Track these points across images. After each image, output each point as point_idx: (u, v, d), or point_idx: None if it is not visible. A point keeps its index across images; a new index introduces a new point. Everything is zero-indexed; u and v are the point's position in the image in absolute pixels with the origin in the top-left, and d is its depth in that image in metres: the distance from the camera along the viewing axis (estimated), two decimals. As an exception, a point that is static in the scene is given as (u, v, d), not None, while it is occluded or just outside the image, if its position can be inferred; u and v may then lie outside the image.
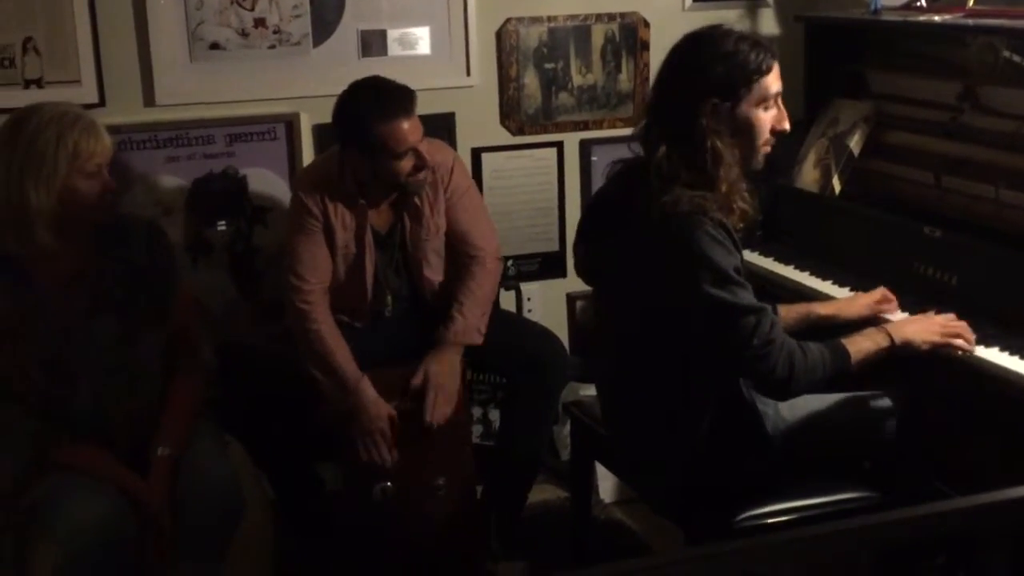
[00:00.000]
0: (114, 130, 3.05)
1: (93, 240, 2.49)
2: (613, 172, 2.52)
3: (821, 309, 2.69)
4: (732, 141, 2.29)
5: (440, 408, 2.97)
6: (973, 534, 1.65)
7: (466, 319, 3.01)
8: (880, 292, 2.72)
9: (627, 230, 2.35)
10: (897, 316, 2.67)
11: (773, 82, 2.33)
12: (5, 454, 2.49)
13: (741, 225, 2.34)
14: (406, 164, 2.88)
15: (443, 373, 2.98)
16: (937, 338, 2.47)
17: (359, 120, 2.85)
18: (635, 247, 2.33)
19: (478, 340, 3.03)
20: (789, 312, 2.62)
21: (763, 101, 2.32)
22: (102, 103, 3.15)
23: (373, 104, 2.84)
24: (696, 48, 2.31)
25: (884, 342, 2.41)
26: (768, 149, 2.38)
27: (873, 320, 2.62)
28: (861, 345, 2.38)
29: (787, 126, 2.39)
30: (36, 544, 2.37)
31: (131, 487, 2.42)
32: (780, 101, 2.36)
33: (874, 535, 1.58)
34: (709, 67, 2.27)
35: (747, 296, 2.25)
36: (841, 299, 2.79)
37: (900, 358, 2.44)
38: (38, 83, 3.10)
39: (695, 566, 1.47)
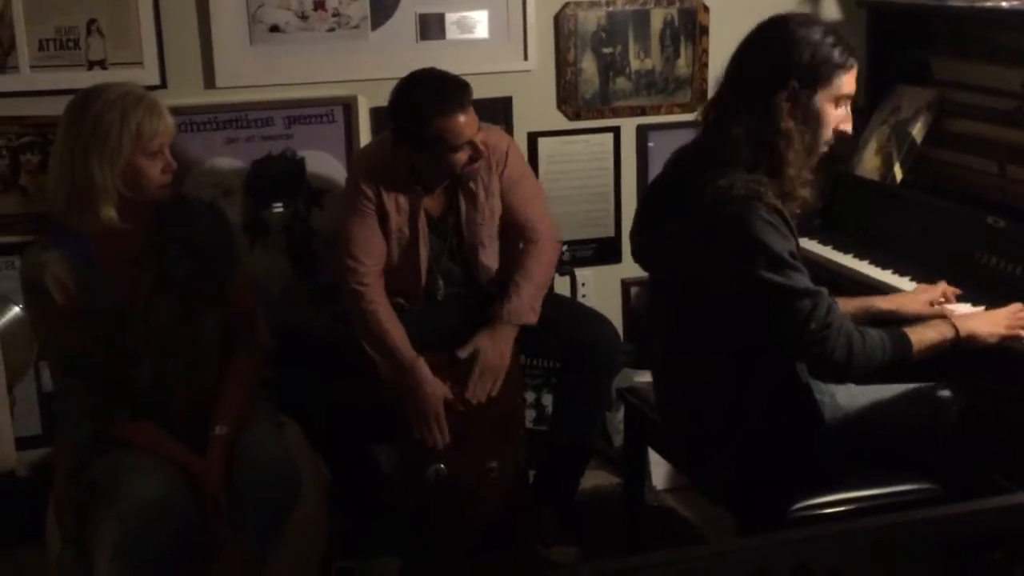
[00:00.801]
0: (174, 112, 3.06)
1: (155, 219, 2.52)
2: (669, 160, 2.50)
3: (882, 303, 2.65)
4: (803, 128, 2.27)
5: (483, 385, 2.98)
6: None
7: (521, 298, 3.01)
8: (942, 287, 2.68)
9: (682, 215, 2.34)
10: (960, 310, 2.62)
11: (850, 82, 2.32)
12: (68, 430, 2.54)
13: (798, 211, 2.32)
14: (462, 156, 2.89)
15: (492, 351, 2.99)
16: (1003, 331, 2.44)
17: (415, 114, 2.85)
18: (690, 232, 2.32)
19: (532, 320, 3.03)
20: (847, 306, 2.58)
21: (837, 98, 2.30)
22: (163, 85, 3.18)
23: (430, 98, 2.84)
24: (784, 30, 2.29)
25: (949, 333, 2.38)
26: (827, 149, 2.36)
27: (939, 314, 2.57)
28: (924, 335, 2.36)
29: (850, 129, 2.37)
30: (97, 519, 2.41)
31: (189, 465, 2.45)
32: (849, 105, 2.35)
33: (935, 529, 1.56)
34: (796, 50, 2.26)
35: (803, 279, 2.24)
36: (902, 294, 2.75)
37: (964, 351, 2.40)
38: (101, 64, 3.13)
39: (753, 555, 1.46)
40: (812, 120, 2.29)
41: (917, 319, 2.51)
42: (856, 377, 2.32)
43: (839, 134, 2.35)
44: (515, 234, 3.11)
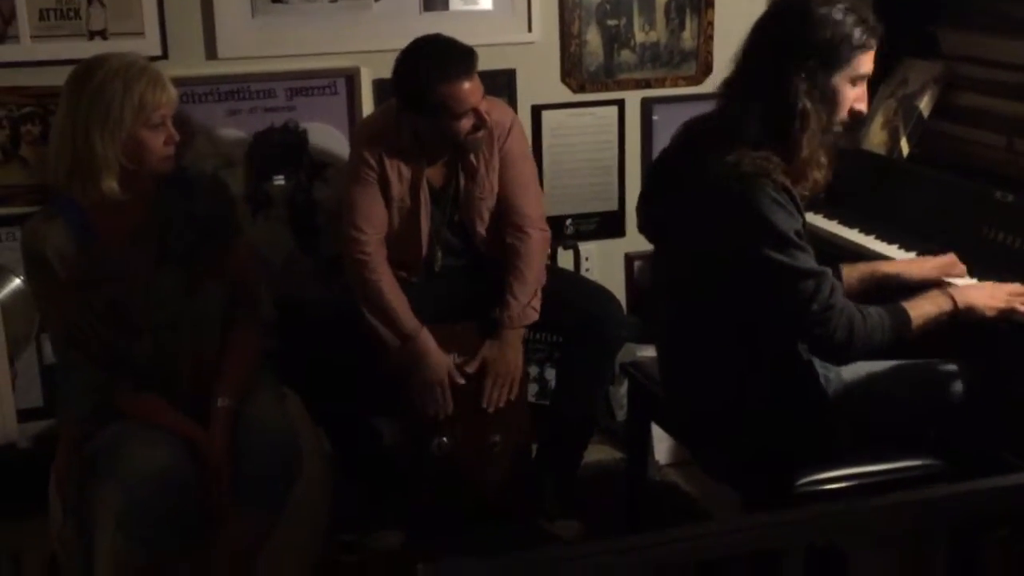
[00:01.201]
0: (176, 83, 3.04)
1: (157, 191, 2.50)
2: (677, 132, 2.48)
3: (886, 268, 2.64)
4: (819, 108, 2.24)
5: (497, 392, 3.01)
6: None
7: (519, 301, 3.00)
8: (949, 257, 2.67)
9: (689, 189, 2.32)
10: (963, 282, 2.61)
11: (869, 62, 2.29)
12: (70, 402, 2.53)
13: (807, 193, 2.30)
14: (465, 124, 2.87)
15: (502, 358, 2.99)
16: (1002, 304, 2.42)
17: (419, 80, 2.82)
18: (697, 207, 2.30)
19: (534, 317, 3.03)
20: (852, 271, 2.58)
21: (855, 78, 2.28)
22: (165, 56, 3.15)
23: (433, 64, 2.81)
24: (806, 7, 2.25)
25: (947, 306, 2.37)
26: (841, 129, 2.34)
27: (938, 283, 2.56)
28: (922, 309, 2.34)
29: (865, 109, 2.34)
30: (99, 492, 2.41)
31: (192, 436, 2.45)
32: (866, 84, 2.32)
33: (943, 508, 1.55)
34: (817, 29, 2.23)
35: (807, 260, 2.22)
36: (907, 260, 2.73)
37: (967, 324, 2.39)
38: (102, 35, 3.11)
39: (763, 533, 1.45)
40: (828, 100, 2.26)
41: (921, 284, 2.50)
42: (856, 358, 2.31)
43: (854, 114, 2.33)
44: (504, 216, 3.08)
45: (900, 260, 2.74)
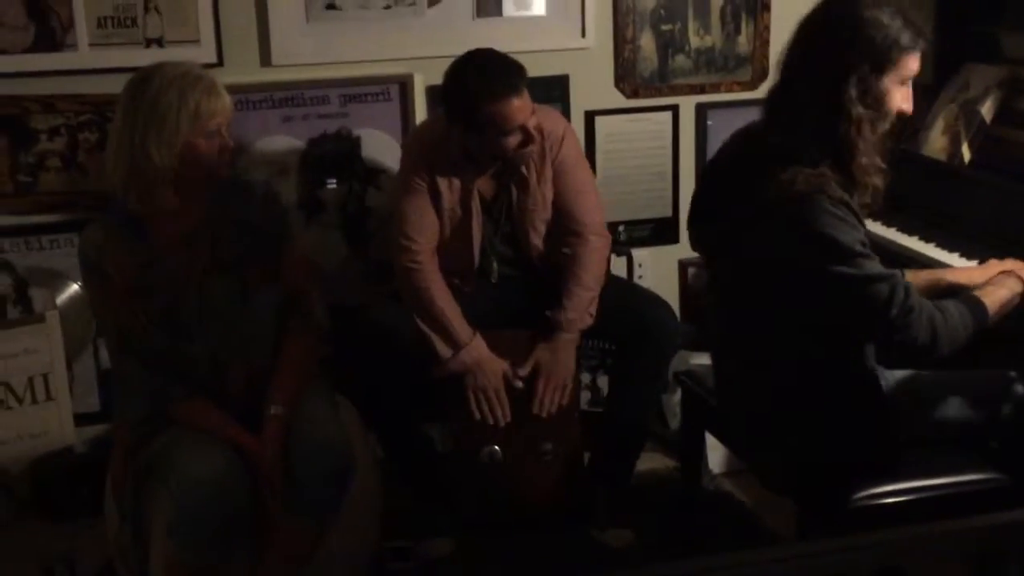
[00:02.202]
0: (231, 90, 3.06)
1: (211, 199, 2.52)
2: (727, 143, 2.43)
3: (951, 277, 2.58)
4: (872, 114, 2.20)
5: (549, 397, 2.98)
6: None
7: (575, 306, 2.97)
8: (1011, 262, 2.59)
9: (744, 207, 2.27)
10: None
11: (916, 63, 2.25)
12: (124, 408, 2.56)
13: (869, 201, 2.26)
14: (513, 140, 2.85)
15: (555, 361, 2.97)
16: None
17: (467, 97, 2.81)
18: (753, 226, 2.25)
19: (589, 323, 3.00)
20: (916, 279, 2.52)
21: (903, 79, 2.23)
22: (220, 63, 3.18)
23: (482, 81, 2.80)
24: (853, 12, 2.21)
25: (1018, 287, 2.35)
26: (887, 127, 2.28)
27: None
28: (996, 295, 2.31)
29: (910, 108, 2.29)
30: (152, 497, 2.43)
31: (244, 444, 2.45)
32: (911, 85, 2.28)
33: (1011, 532, 1.51)
34: (866, 34, 2.18)
35: (875, 266, 2.18)
36: (972, 268, 2.67)
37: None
38: (159, 42, 3.14)
39: (824, 559, 1.42)
40: (880, 103, 2.22)
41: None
42: (942, 355, 2.25)
43: (900, 114, 2.28)
44: (562, 225, 3.06)
45: (963, 268, 2.69)
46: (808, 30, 2.27)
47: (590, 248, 3.03)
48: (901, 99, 2.25)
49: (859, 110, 2.18)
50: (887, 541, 1.53)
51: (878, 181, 2.23)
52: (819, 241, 2.14)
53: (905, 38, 2.20)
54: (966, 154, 3.07)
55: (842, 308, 2.20)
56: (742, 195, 2.27)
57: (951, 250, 2.88)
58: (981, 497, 2.32)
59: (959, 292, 2.48)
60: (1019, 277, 2.34)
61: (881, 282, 2.16)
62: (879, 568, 1.55)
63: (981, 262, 2.76)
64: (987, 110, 3.07)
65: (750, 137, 2.36)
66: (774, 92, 2.31)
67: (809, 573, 1.47)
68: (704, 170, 2.50)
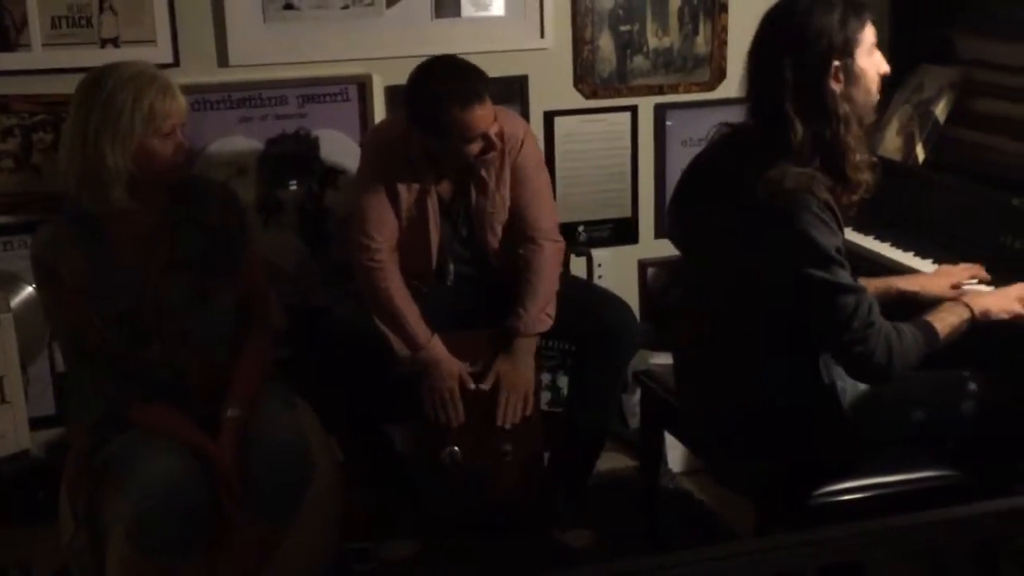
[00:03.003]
0: (188, 90, 3.05)
1: (167, 200, 2.50)
2: (715, 137, 2.44)
3: (903, 284, 2.62)
4: (857, 105, 2.24)
5: (513, 408, 2.99)
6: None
7: (529, 313, 2.98)
8: (966, 269, 2.64)
9: (727, 201, 2.28)
10: (981, 290, 2.58)
11: (872, 29, 2.29)
12: (80, 412, 2.53)
13: (855, 199, 2.28)
14: (475, 147, 2.85)
15: (515, 372, 2.98)
16: (1017, 307, 2.41)
17: (430, 103, 2.81)
18: (737, 221, 2.26)
19: (548, 324, 3.01)
20: (869, 285, 2.54)
21: (871, 48, 2.27)
22: (176, 63, 3.15)
23: (446, 88, 2.79)
24: (801, 19, 2.22)
25: (965, 314, 2.36)
26: (878, 96, 2.33)
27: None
28: (946, 320, 2.33)
29: (887, 68, 2.33)
30: (109, 501, 2.41)
31: (202, 447, 2.43)
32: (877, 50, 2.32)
33: (965, 528, 1.53)
34: (824, 34, 2.21)
35: (847, 276, 2.20)
36: (924, 275, 2.71)
37: (981, 333, 2.37)
38: (114, 42, 3.11)
39: (778, 555, 1.43)
40: (861, 86, 2.26)
41: (938, 302, 2.46)
42: (892, 377, 2.27)
43: (882, 76, 2.32)
44: (517, 228, 3.05)
45: (915, 276, 2.72)
46: (763, 52, 2.28)
47: (545, 254, 3.03)
48: (876, 66, 2.29)
49: (845, 107, 2.21)
50: (843, 536, 1.54)
51: (869, 176, 2.27)
52: (798, 239, 2.16)
53: (852, 17, 2.24)
54: (920, 154, 3.10)
55: (806, 311, 2.22)
56: (727, 188, 2.29)
57: (905, 249, 2.92)
58: (937, 494, 2.35)
59: (910, 300, 2.54)
60: (966, 304, 2.37)
61: (849, 294, 2.18)
62: (836, 564, 1.57)
63: (936, 261, 2.80)
64: (941, 111, 3.10)
65: (737, 135, 2.37)
66: (751, 102, 2.31)
67: (767, 569, 1.48)
68: (689, 165, 2.50)
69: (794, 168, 2.19)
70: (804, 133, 2.20)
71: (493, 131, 2.85)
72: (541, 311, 2.99)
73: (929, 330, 2.29)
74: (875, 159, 2.28)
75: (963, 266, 2.68)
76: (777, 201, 2.17)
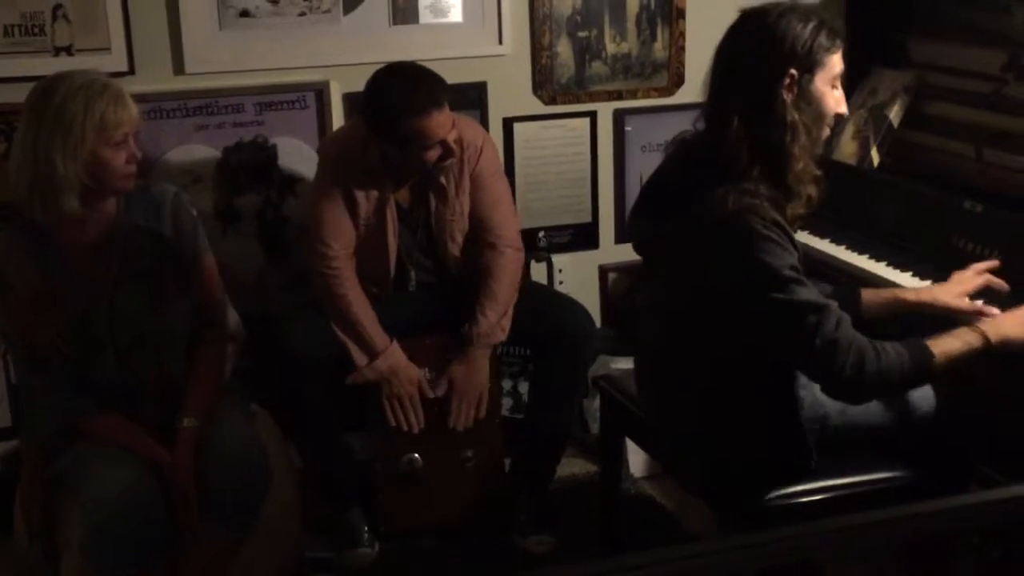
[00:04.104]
0: (143, 98, 3.06)
1: (119, 209, 2.48)
2: (671, 150, 2.42)
3: (910, 296, 2.51)
4: (806, 119, 2.19)
5: (465, 412, 3.00)
6: (1003, 527, 1.60)
7: (488, 320, 2.98)
8: (981, 278, 2.51)
9: (679, 218, 2.26)
10: (994, 310, 2.41)
11: (839, 61, 2.25)
12: (33, 423, 2.51)
13: (802, 211, 2.24)
14: (433, 154, 2.85)
15: (468, 378, 2.98)
16: None
17: (388, 110, 2.80)
18: (687, 238, 2.25)
19: (501, 338, 3.01)
20: (874, 297, 2.50)
21: (833, 78, 2.23)
22: (132, 71, 3.13)
23: (403, 95, 2.79)
24: (768, 24, 2.21)
25: (976, 343, 2.20)
26: (829, 133, 2.30)
27: (971, 318, 2.37)
28: (947, 345, 2.19)
29: (846, 110, 2.30)
30: (63, 513, 2.39)
31: (156, 458, 2.42)
32: (841, 87, 2.29)
33: (912, 525, 1.54)
34: (786, 41, 2.18)
35: (806, 293, 2.14)
36: (936, 286, 2.57)
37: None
38: (68, 51, 3.08)
39: (733, 555, 1.43)
40: (815, 107, 2.21)
41: (950, 312, 2.38)
42: (870, 396, 2.24)
43: (837, 116, 2.29)
44: (477, 235, 3.06)
45: (926, 288, 2.59)
46: (727, 52, 2.26)
47: (504, 261, 3.03)
48: (835, 102, 2.25)
49: (794, 115, 2.17)
50: (793, 536, 1.55)
51: (813, 190, 2.22)
52: (751, 265, 2.12)
53: (823, 38, 2.21)
54: (875, 158, 3.13)
55: (768, 332, 2.19)
56: (678, 205, 2.27)
57: (861, 252, 2.94)
58: (893, 495, 2.36)
59: (921, 311, 2.43)
60: (981, 332, 2.22)
61: (810, 312, 2.12)
62: (792, 564, 1.58)
63: (889, 264, 2.82)
64: (895, 114, 3.13)
65: (690, 148, 2.35)
66: (707, 112, 2.28)
67: (722, 570, 1.49)
68: (647, 180, 2.48)
69: (738, 185, 2.14)
70: (743, 136, 2.17)
71: (451, 138, 2.85)
72: (500, 318, 2.99)
73: (921, 352, 2.18)
74: (820, 174, 2.23)
75: (974, 275, 2.52)
76: (722, 224, 2.13)
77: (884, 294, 2.54)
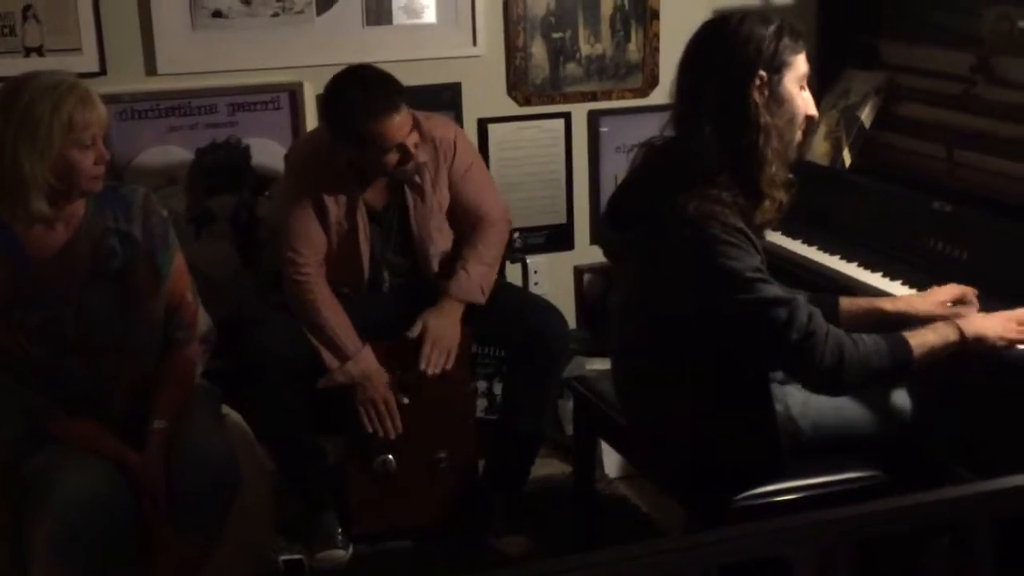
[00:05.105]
0: (115, 99, 3.06)
1: (88, 210, 2.46)
2: (638, 157, 2.39)
3: (888, 305, 2.51)
4: (778, 122, 2.19)
5: (435, 357, 2.96)
6: (965, 522, 1.62)
7: (469, 275, 3.00)
8: (957, 289, 2.52)
9: (646, 225, 2.25)
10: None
11: (805, 61, 2.26)
12: (1, 426, 2.49)
13: (771, 216, 2.24)
14: (392, 158, 2.85)
15: (441, 325, 2.97)
16: (1014, 335, 2.30)
17: (346, 113, 2.81)
18: (652, 246, 2.25)
19: (480, 299, 3.01)
20: (852, 306, 2.50)
21: (800, 79, 2.24)
22: (103, 72, 3.12)
23: (360, 98, 2.79)
24: (734, 25, 2.22)
25: (952, 336, 2.23)
26: (801, 136, 2.30)
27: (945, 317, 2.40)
28: (925, 338, 2.21)
29: (815, 112, 2.30)
30: (31, 517, 2.36)
31: (126, 460, 2.40)
32: (808, 87, 2.29)
33: (877, 522, 1.55)
34: (751, 45, 2.18)
35: (772, 290, 2.14)
36: (913, 295, 2.60)
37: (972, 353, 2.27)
38: (39, 51, 3.07)
39: (697, 552, 1.44)
40: (786, 108, 2.21)
41: (929, 321, 2.36)
42: (852, 387, 2.24)
43: (808, 118, 2.29)
44: (466, 221, 3.08)
45: (904, 297, 2.61)
46: (693, 59, 2.26)
47: (494, 229, 3.08)
48: (805, 104, 2.25)
49: (766, 118, 2.17)
50: (760, 532, 1.56)
51: (783, 195, 2.22)
52: (714, 274, 2.13)
53: (787, 38, 2.22)
54: (847, 159, 3.14)
55: (741, 335, 2.18)
56: (644, 212, 2.26)
57: (832, 252, 2.95)
58: (865, 495, 2.36)
59: (898, 321, 2.42)
60: (957, 326, 2.25)
61: (779, 306, 2.13)
62: (759, 561, 1.59)
63: (860, 265, 2.83)
64: (866, 115, 3.15)
65: (653, 151, 2.35)
66: (676, 118, 2.28)
67: (686, 567, 1.49)
68: (617, 187, 2.48)
69: (702, 191, 2.14)
70: (712, 141, 2.17)
71: (411, 142, 2.85)
72: (480, 279, 3.00)
73: (899, 343, 2.19)
74: (792, 178, 2.24)
75: (951, 287, 2.54)
76: (683, 230, 2.13)
77: (862, 303, 2.53)
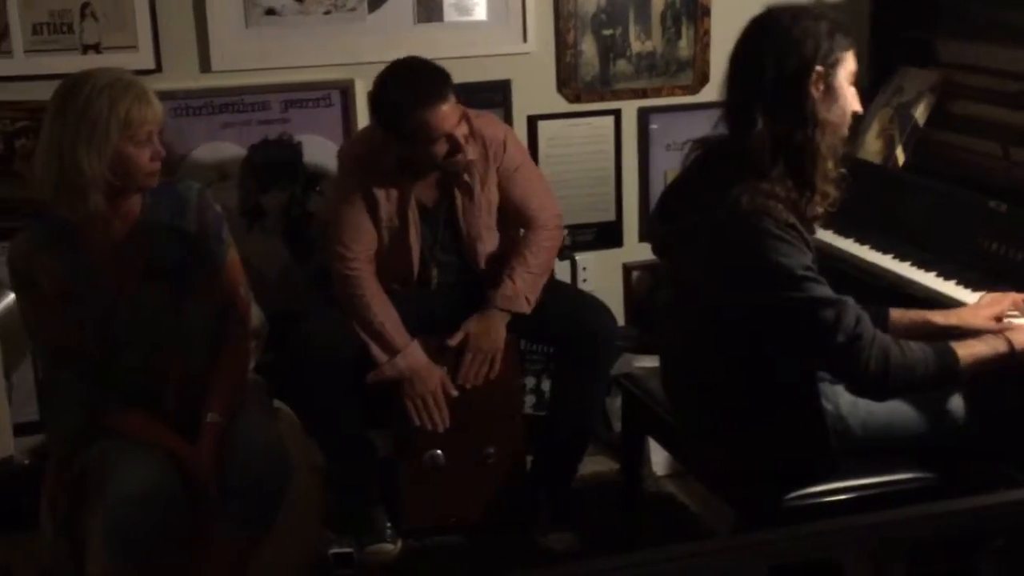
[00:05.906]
0: (170, 96, 3.09)
1: (144, 206, 2.50)
2: (692, 154, 2.40)
3: (939, 319, 2.48)
4: (833, 117, 2.20)
5: (473, 369, 2.98)
6: (1020, 527, 1.60)
7: (515, 285, 2.99)
8: (1010, 298, 2.49)
9: (698, 220, 2.25)
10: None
11: (854, 58, 2.26)
12: (58, 420, 2.53)
13: (821, 211, 2.24)
14: (440, 148, 2.86)
15: (483, 335, 2.98)
16: None
17: (393, 105, 2.83)
18: (705, 241, 2.24)
19: (526, 309, 3.01)
20: (902, 318, 2.48)
21: (850, 75, 2.24)
22: (159, 69, 3.16)
23: (406, 89, 2.81)
24: (788, 22, 2.22)
25: (1002, 347, 2.22)
26: (847, 132, 2.30)
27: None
28: (973, 348, 2.21)
29: (860, 108, 2.30)
30: (87, 508, 2.41)
31: (179, 453, 2.44)
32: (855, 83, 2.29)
33: (927, 526, 1.53)
34: (809, 36, 2.19)
35: (823, 290, 2.14)
36: (964, 308, 2.56)
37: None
38: (96, 48, 3.12)
39: (741, 554, 1.44)
40: (840, 103, 2.22)
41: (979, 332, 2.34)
42: (895, 393, 2.23)
43: (853, 114, 2.29)
44: (516, 222, 3.09)
45: (955, 310, 2.56)
46: (746, 56, 2.26)
47: (544, 236, 3.07)
48: (851, 98, 2.26)
49: (823, 113, 2.18)
50: (810, 534, 1.55)
51: (835, 190, 2.23)
52: (763, 266, 2.13)
53: (840, 35, 2.23)
54: (900, 157, 3.11)
55: (788, 332, 2.18)
56: (696, 206, 2.26)
57: (884, 252, 2.92)
58: (915, 496, 2.34)
59: (949, 335, 2.37)
60: (1007, 338, 2.24)
61: (828, 307, 2.13)
62: (809, 563, 1.58)
63: (913, 264, 2.80)
64: (920, 113, 3.11)
65: (707, 147, 2.36)
66: (726, 112, 2.28)
67: (734, 568, 1.49)
68: (668, 184, 2.48)
69: (755, 185, 2.14)
70: (766, 136, 2.17)
71: (459, 132, 2.85)
72: (527, 288, 3.00)
73: (946, 352, 2.18)
74: (844, 172, 2.24)
75: (1000, 296, 2.51)
76: (736, 225, 2.13)
77: (912, 315, 2.50)
